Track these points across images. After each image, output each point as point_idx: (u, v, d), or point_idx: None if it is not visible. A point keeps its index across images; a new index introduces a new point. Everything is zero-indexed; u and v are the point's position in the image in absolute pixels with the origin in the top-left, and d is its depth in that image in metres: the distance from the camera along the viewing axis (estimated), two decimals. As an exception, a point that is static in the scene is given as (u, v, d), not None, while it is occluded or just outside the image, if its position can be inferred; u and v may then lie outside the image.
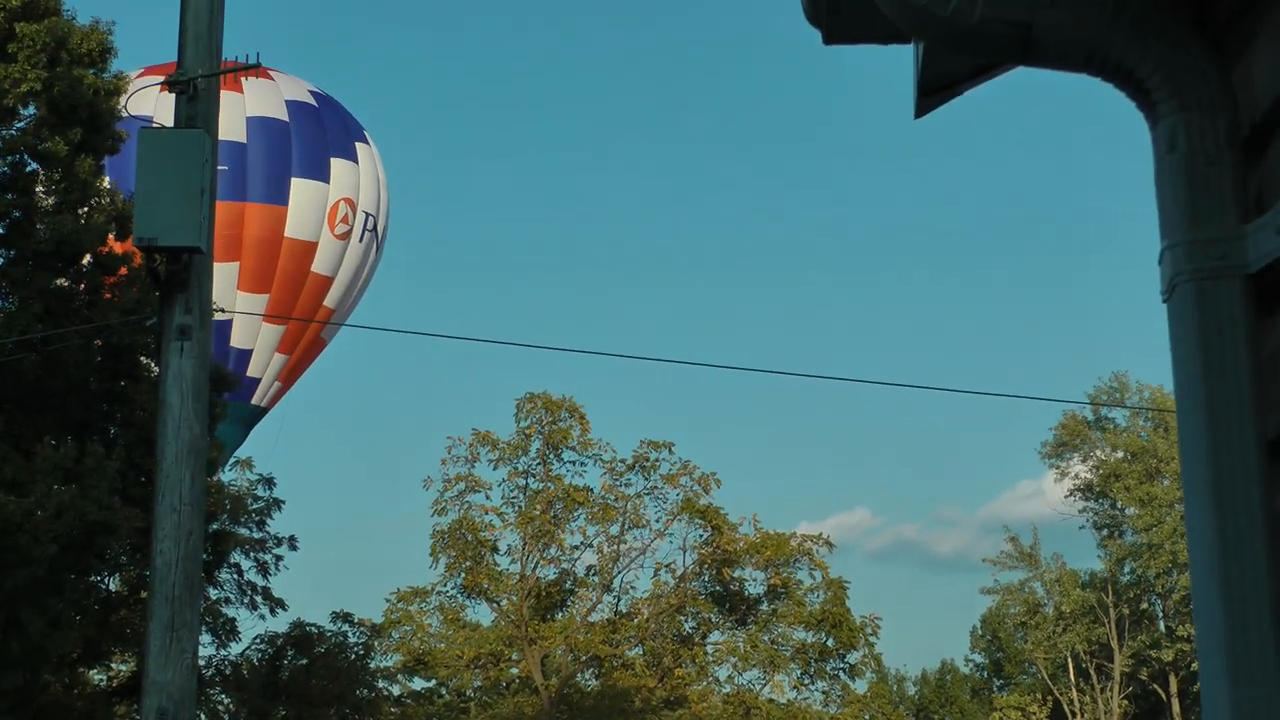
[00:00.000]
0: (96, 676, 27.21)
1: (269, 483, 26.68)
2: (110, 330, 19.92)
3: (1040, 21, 3.18)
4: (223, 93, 11.49)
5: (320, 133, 33.86)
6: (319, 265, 33.44)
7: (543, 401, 39.91)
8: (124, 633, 22.46)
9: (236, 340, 32.62)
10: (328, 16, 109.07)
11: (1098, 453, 58.35)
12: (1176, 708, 57.15)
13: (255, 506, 26.47)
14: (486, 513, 39.93)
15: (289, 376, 34.48)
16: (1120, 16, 3.15)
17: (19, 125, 19.90)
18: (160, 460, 10.29)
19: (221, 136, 11.49)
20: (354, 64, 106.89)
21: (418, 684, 39.02)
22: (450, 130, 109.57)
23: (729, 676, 40.79)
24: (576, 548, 40.28)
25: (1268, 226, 2.97)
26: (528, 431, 40.01)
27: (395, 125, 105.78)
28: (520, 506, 39.78)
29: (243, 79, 29.78)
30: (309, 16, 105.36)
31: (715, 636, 41.18)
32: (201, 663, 24.55)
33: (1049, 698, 61.13)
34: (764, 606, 40.88)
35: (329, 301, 34.03)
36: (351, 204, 34.00)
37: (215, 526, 22.60)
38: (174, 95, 10.85)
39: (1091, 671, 59.25)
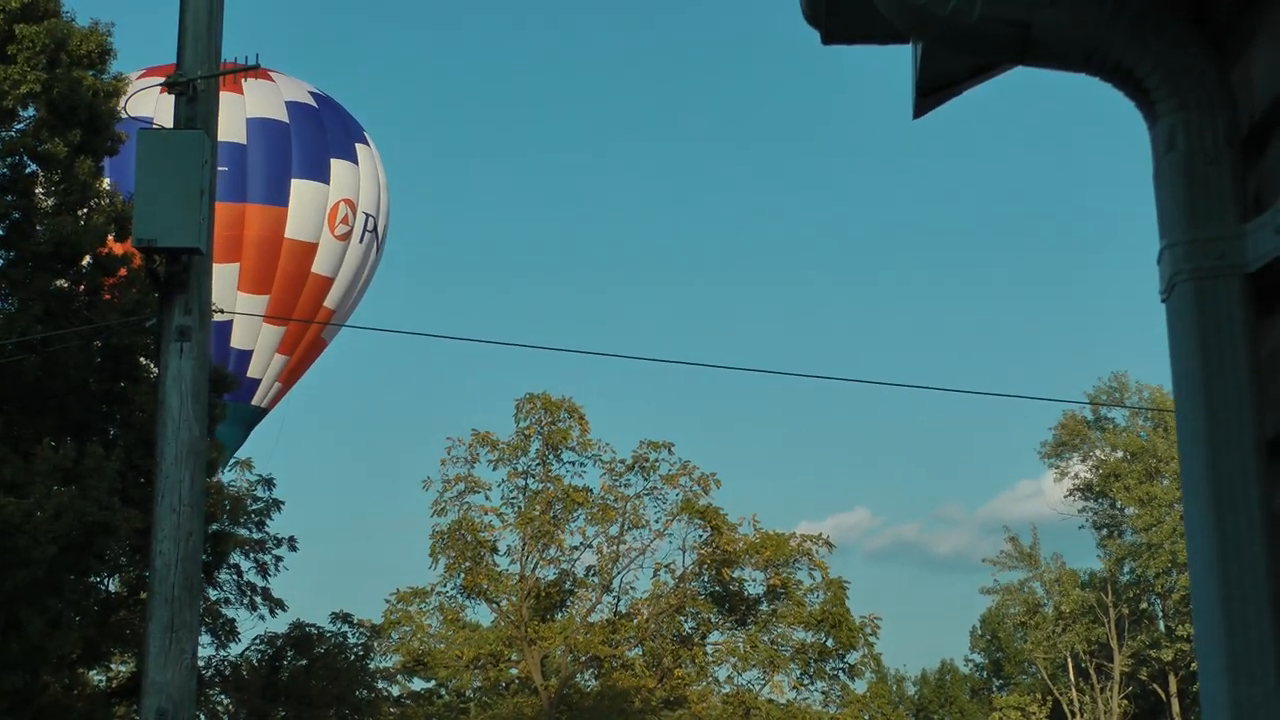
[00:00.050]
0: (96, 677, 27.21)
1: (269, 483, 26.73)
2: (110, 331, 19.91)
3: (1039, 21, 3.18)
4: (222, 94, 11.48)
5: (320, 134, 33.86)
6: (319, 266, 33.45)
7: (542, 402, 39.91)
8: (123, 633, 22.46)
9: (236, 341, 32.62)
10: (328, 16, 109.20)
11: (1097, 452, 58.34)
12: (1176, 707, 57.13)
13: (255, 507, 26.48)
14: (486, 513, 39.96)
15: (289, 377, 34.48)
16: (1119, 16, 3.15)
17: (19, 127, 19.90)
18: (160, 461, 10.29)
19: (221, 138, 11.49)
20: (354, 64, 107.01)
21: (417, 684, 39.03)
22: (450, 130, 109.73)
23: (729, 677, 40.81)
24: (576, 548, 40.32)
25: (1266, 226, 2.97)
26: (527, 432, 40.01)
27: (395, 125, 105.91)
28: (520, 507, 39.77)
29: (243, 80, 29.78)
30: (309, 16, 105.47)
31: (715, 637, 41.18)
32: (201, 663, 24.58)
33: (1049, 698, 61.09)
34: (763, 607, 40.85)
35: (329, 302, 34.03)
36: (351, 205, 34.00)
37: (215, 527, 22.59)
38: (173, 96, 10.85)
39: (1091, 671, 59.23)
